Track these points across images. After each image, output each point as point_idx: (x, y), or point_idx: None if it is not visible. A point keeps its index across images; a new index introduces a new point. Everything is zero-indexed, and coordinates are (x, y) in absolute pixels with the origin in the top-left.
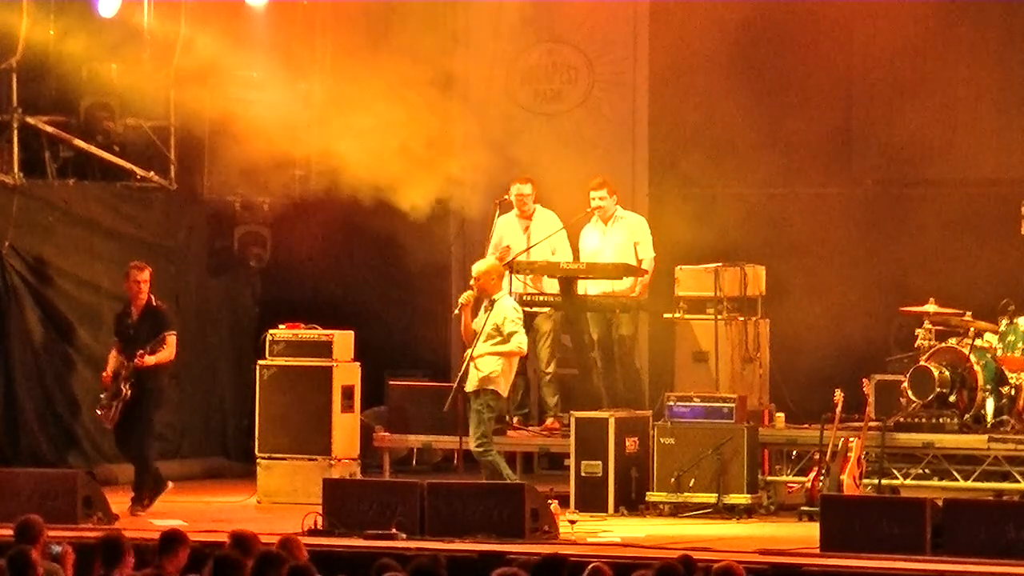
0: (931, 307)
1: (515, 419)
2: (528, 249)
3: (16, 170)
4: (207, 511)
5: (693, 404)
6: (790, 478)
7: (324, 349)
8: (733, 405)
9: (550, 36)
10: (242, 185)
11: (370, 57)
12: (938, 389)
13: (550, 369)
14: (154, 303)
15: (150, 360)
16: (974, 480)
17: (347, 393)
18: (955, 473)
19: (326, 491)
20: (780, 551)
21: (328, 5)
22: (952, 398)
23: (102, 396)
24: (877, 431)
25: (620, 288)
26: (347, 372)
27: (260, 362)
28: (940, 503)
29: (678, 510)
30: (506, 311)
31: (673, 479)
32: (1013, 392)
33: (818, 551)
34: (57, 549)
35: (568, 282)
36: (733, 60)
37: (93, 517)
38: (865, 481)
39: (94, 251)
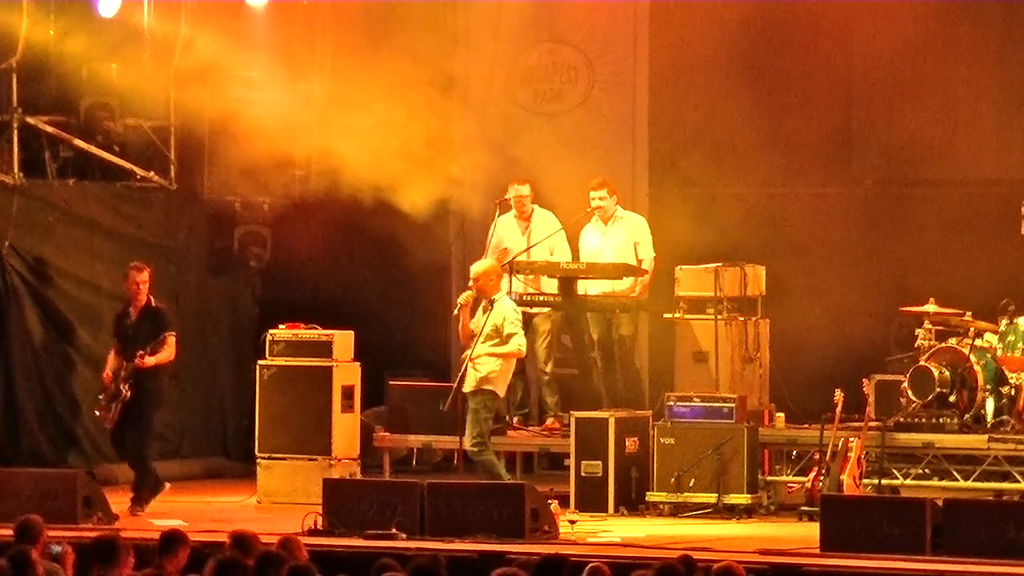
0: (931, 307)
1: (515, 419)
2: (528, 249)
3: (16, 170)
4: (207, 511)
5: (693, 404)
6: (790, 478)
7: (324, 349)
8: (733, 405)
9: (550, 36)
10: (242, 185)
11: (370, 57)
12: (938, 389)
13: (549, 369)
14: (153, 304)
15: (150, 361)
16: (974, 480)
17: (347, 393)
18: (955, 473)
19: (326, 491)
20: (780, 551)
21: (328, 5)
22: (952, 398)
23: (101, 397)
24: (877, 431)
25: (620, 288)
26: (347, 372)
27: (260, 362)
28: (940, 503)
29: (678, 510)
30: (505, 312)
31: (673, 479)
32: (1013, 392)
33: (818, 551)
34: (57, 549)
35: (568, 282)
36: (733, 60)
37: (93, 517)
38: (865, 481)
39: (94, 251)
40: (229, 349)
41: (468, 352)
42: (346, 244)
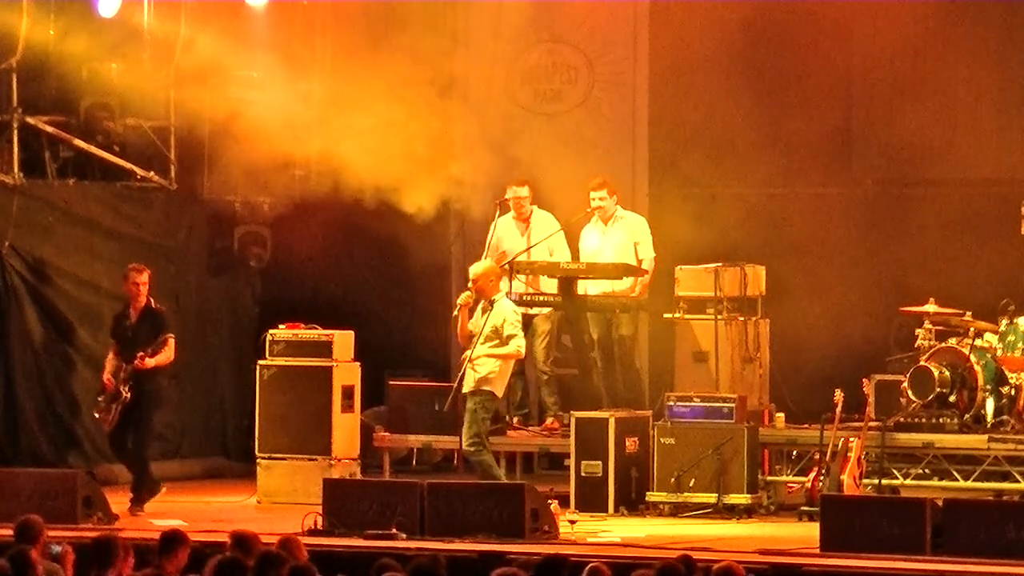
0: (931, 307)
1: (515, 419)
2: (527, 250)
3: (16, 170)
4: (207, 511)
5: (693, 404)
6: (790, 478)
7: (324, 349)
8: (733, 405)
9: (550, 36)
10: (242, 185)
11: (370, 57)
12: (938, 389)
13: (548, 368)
14: (153, 305)
15: (150, 362)
16: (974, 480)
17: (347, 393)
18: (955, 473)
19: (326, 491)
20: (780, 551)
21: (328, 5)
22: (952, 398)
23: (100, 399)
24: (877, 431)
25: (620, 288)
26: (347, 372)
27: (260, 362)
28: (940, 503)
29: (678, 510)
30: (505, 313)
31: (673, 479)
32: (1013, 392)
33: (818, 551)
34: (57, 549)
35: (568, 282)
36: (733, 60)
37: (93, 517)
38: (865, 481)
39: (94, 251)
40: (229, 349)
41: (468, 352)
42: (346, 244)
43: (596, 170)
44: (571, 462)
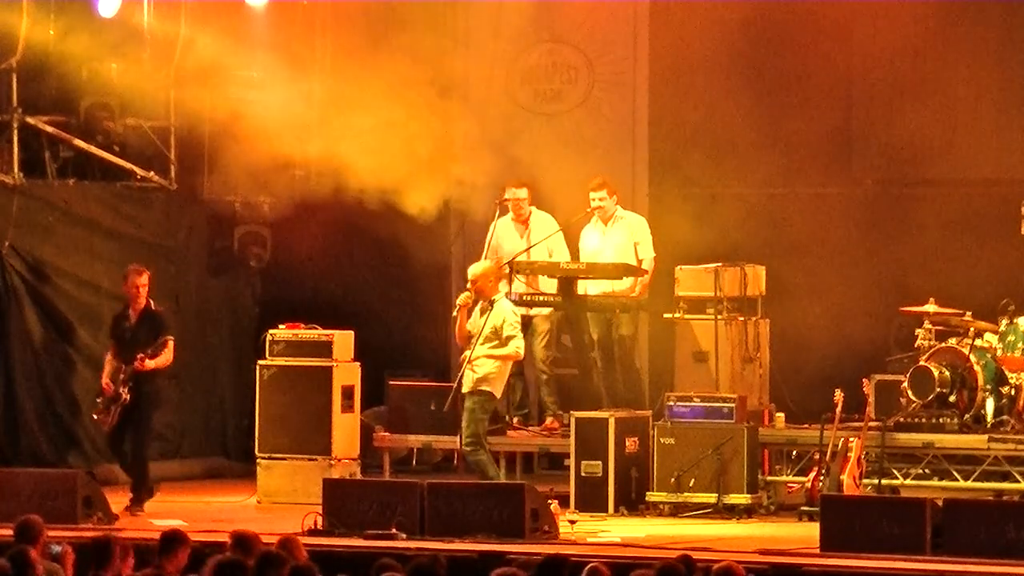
0: (931, 307)
1: (515, 419)
2: (527, 250)
3: (16, 170)
4: (207, 511)
5: (693, 404)
6: (790, 478)
7: (324, 349)
8: (733, 405)
9: (550, 36)
10: (242, 185)
11: (370, 57)
12: (938, 389)
13: (547, 368)
14: (152, 307)
15: (150, 364)
16: (974, 480)
17: (347, 393)
18: (955, 473)
19: (326, 491)
20: (780, 551)
21: (328, 5)
22: (952, 398)
23: (99, 401)
24: (877, 431)
25: (620, 288)
26: (347, 372)
27: (260, 362)
28: (940, 503)
29: (678, 510)
30: (505, 314)
31: (673, 479)
32: (1013, 392)
33: (818, 551)
34: (57, 549)
35: (568, 282)
36: (733, 60)
37: (93, 517)
38: (865, 481)
39: (94, 251)
40: (229, 349)
41: (467, 353)
42: (346, 244)
43: (596, 170)
44: (571, 462)
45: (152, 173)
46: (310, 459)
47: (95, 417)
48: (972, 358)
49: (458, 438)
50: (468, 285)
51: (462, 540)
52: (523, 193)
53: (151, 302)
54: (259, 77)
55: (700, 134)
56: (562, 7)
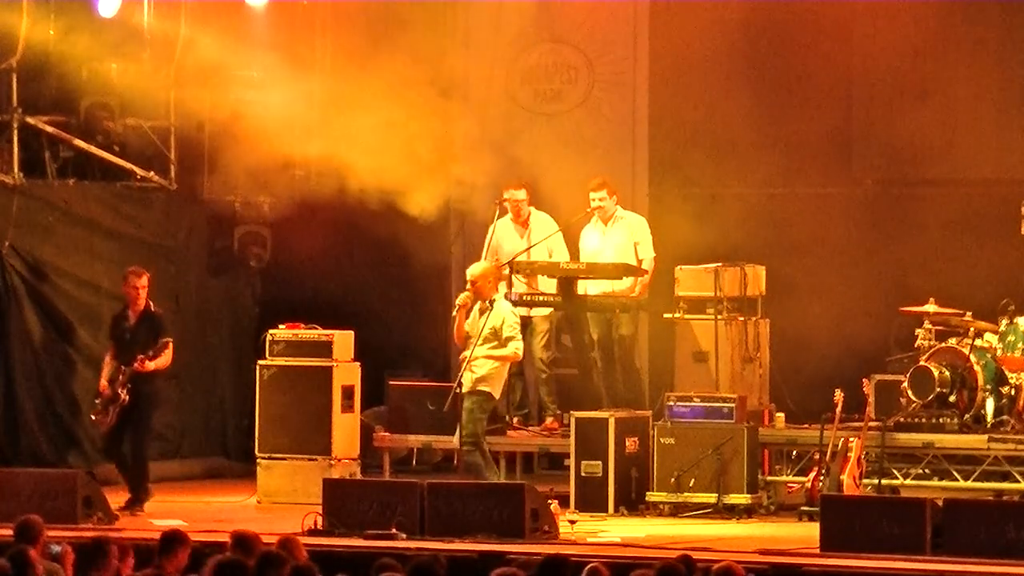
0: (931, 307)
1: (515, 419)
2: (527, 250)
3: (16, 170)
4: (207, 511)
5: (693, 404)
6: (790, 478)
7: (324, 349)
8: (733, 405)
9: (550, 36)
10: (242, 185)
11: (370, 57)
12: (938, 389)
13: (547, 368)
14: (152, 308)
15: (150, 366)
16: (974, 480)
17: (347, 393)
18: (955, 473)
19: (326, 491)
20: (780, 551)
21: (328, 5)
22: (952, 398)
23: (98, 401)
24: (877, 431)
25: (620, 288)
26: (347, 372)
27: (260, 362)
28: (940, 503)
29: (678, 510)
30: (504, 315)
31: (673, 479)
32: (1013, 392)
33: (818, 551)
34: (57, 549)
35: (568, 282)
36: (733, 60)
37: (93, 517)
38: (865, 481)
39: (94, 251)
40: (229, 349)
41: (466, 353)
42: (346, 244)
43: (596, 170)
44: (571, 462)
45: (152, 173)
46: (310, 459)
47: (93, 418)
48: (972, 358)
49: (456, 438)
50: (467, 285)
51: (462, 540)
52: (521, 194)
53: (150, 304)
54: (259, 77)
55: (700, 134)
56: (562, 7)
